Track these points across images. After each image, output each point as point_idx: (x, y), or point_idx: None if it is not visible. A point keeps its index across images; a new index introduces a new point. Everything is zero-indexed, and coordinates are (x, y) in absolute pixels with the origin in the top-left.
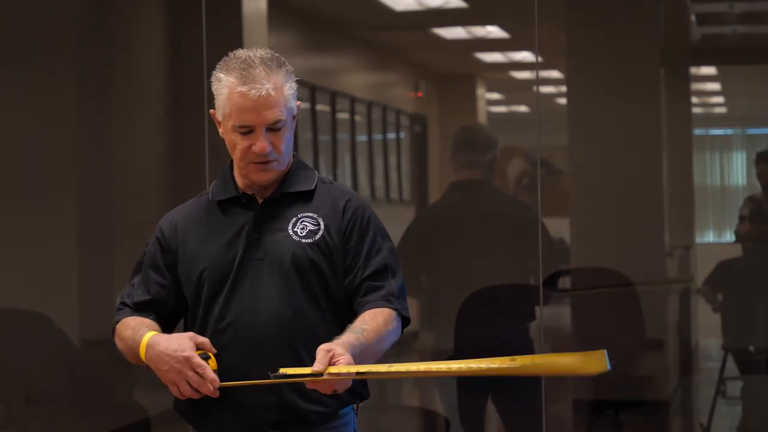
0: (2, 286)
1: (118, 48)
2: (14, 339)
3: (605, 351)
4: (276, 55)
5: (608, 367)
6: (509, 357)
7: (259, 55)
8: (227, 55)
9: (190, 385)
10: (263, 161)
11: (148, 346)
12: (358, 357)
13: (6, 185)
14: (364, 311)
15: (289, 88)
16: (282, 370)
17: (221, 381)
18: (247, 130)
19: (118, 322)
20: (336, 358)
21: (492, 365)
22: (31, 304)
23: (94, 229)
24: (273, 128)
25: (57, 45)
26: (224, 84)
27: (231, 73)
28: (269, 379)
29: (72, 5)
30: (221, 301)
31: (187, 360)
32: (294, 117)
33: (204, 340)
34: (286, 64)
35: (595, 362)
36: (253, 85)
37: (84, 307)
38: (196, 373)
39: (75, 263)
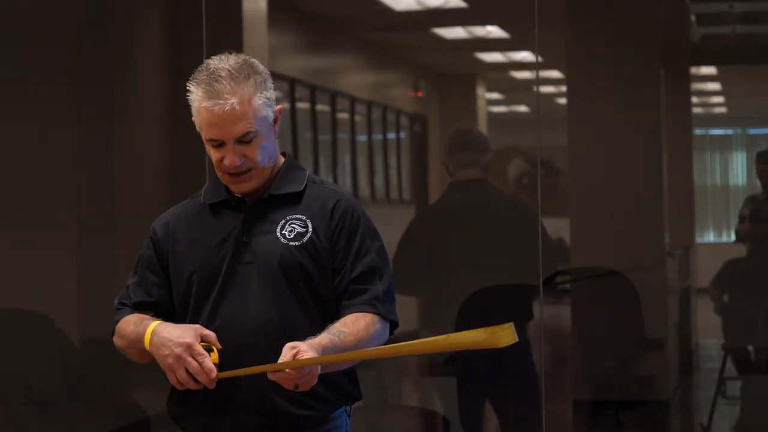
0: (1, 285)
1: (118, 48)
2: (14, 339)
3: (512, 324)
4: (250, 62)
5: (516, 339)
6: (432, 338)
7: (228, 66)
8: (201, 63)
9: (189, 373)
10: (236, 173)
11: (153, 333)
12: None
13: (6, 185)
14: (346, 314)
15: (261, 98)
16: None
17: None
18: (217, 144)
19: (118, 321)
20: (300, 355)
21: (415, 344)
22: (31, 303)
23: (94, 229)
24: (243, 141)
25: (56, 46)
26: (194, 97)
27: (199, 86)
28: (257, 380)
29: (71, 5)
30: (209, 305)
31: (189, 347)
32: (275, 121)
33: (210, 333)
34: (259, 71)
35: (504, 336)
36: (216, 100)
37: (84, 307)
38: (196, 361)
39: (75, 263)
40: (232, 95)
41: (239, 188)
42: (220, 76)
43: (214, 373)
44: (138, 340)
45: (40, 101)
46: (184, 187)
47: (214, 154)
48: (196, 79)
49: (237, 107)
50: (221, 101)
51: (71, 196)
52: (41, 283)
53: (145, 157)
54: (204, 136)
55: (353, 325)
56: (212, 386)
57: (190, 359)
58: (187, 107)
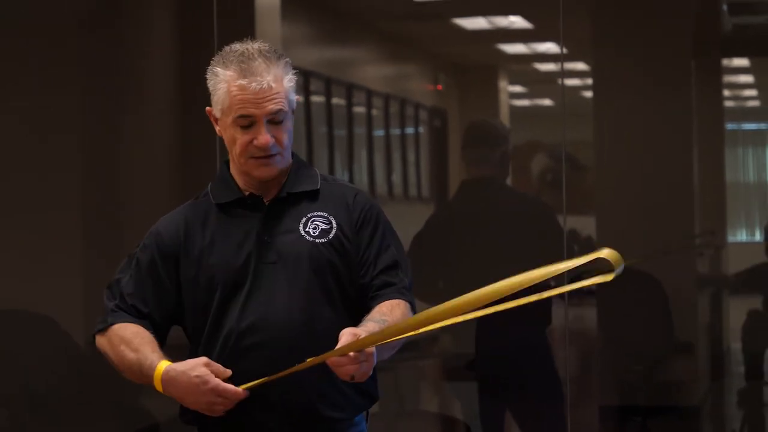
0: (5, 286)
1: (127, 40)
2: (18, 341)
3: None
4: (273, 47)
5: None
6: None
7: (256, 48)
8: (222, 50)
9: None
10: (265, 155)
11: (166, 382)
12: (379, 348)
13: (10, 184)
14: (379, 302)
15: (289, 81)
16: (309, 360)
17: (242, 383)
18: (248, 123)
19: (110, 324)
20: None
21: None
22: (35, 305)
23: (99, 229)
24: (274, 120)
25: (63, 37)
26: (222, 78)
27: (229, 66)
28: (293, 377)
29: None
30: (236, 307)
31: (213, 390)
32: (293, 111)
33: (218, 366)
34: (285, 56)
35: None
36: (253, 77)
37: (90, 309)
38: (226, 398)
39: (80, 263)
40: (267, 73)
41: (264, 172)
42: (252, 55)
43: (241, 392)
44: (141, 374)
45: (45, 94)
46: (194, 187)
47: (241, 136)
48: (223, 60)
49: (273, 84)
50: (258, 78)
51: (76, 196)
52: (46, 284)
53: (153, 154)
54: (233, 116)
55: (391, 314)
56: (245, 395)
57: (220, 399)
58: (199, 102)
